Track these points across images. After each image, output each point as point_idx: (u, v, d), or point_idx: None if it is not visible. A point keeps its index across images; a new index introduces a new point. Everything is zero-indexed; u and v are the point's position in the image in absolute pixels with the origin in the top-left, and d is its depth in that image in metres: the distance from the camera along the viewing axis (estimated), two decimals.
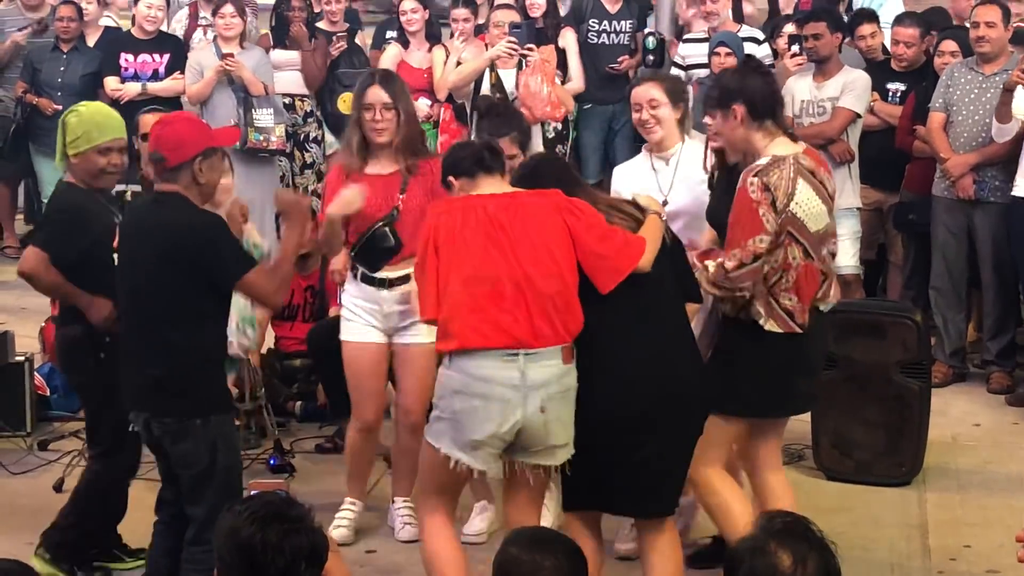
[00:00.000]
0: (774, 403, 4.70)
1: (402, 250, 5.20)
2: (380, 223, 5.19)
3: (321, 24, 9.19)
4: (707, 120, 4.87)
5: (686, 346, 4.43)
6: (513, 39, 7.86)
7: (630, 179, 5.31)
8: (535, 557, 3.07)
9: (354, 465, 5.51)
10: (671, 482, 4.41)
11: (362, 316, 5.29)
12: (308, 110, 8.98)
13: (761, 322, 4.50)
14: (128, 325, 4.52)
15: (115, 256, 4.79)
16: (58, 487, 5.84)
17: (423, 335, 5.12)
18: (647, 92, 5.20)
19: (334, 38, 9.02)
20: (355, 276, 5.32)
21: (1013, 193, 7.03)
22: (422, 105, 8.29)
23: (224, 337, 4.67)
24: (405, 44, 8.81)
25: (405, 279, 5.20)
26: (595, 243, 4.27)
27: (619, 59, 8.88)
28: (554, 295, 4.22)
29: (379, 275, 5.27)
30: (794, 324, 4.52)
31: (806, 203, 4.48)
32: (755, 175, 4.44)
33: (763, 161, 4.49)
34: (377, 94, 5.21)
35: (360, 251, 5.25)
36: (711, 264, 4.48)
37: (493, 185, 4.41)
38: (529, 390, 4.20)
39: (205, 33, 9.20)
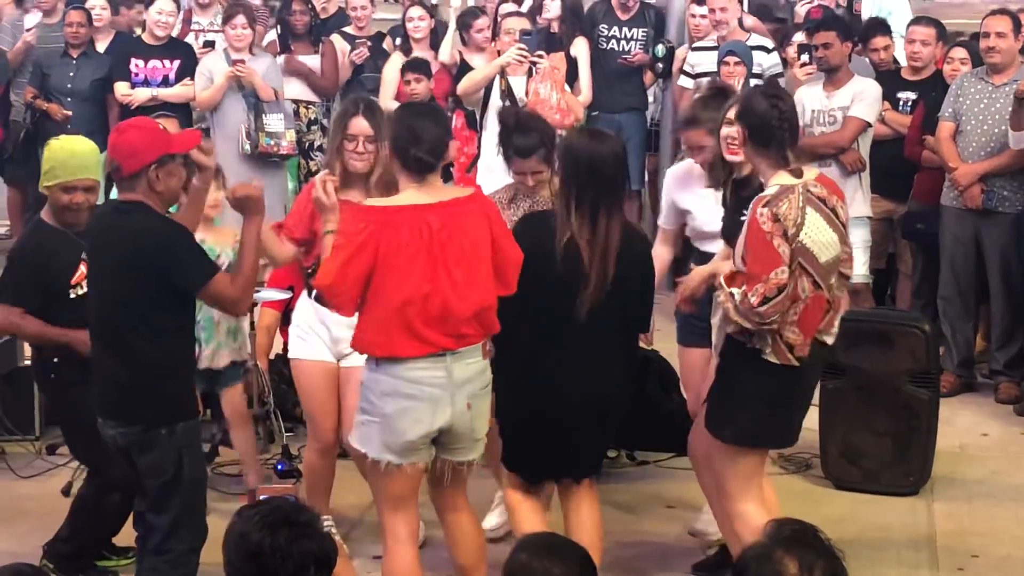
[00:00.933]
0: (768, 434, 4.62)
1: None
2: None
3: (348, 29, 9.20)
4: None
5: (614, 364, 4.67)
6: (523, 46, 7.87)
7: (688, 189, 5.26)
8: (545, 564, 3.07)
9: (316, 486, 5.40)
10: (587, 454, 4.79)
11: (316, 334, 5.21)
12: (312, 118, 9.00)
13: (763, 354, 4.44)
14: (96, 335, 4.53)
15: (71, 291, 4.95)
16: (66, 491, 5.84)
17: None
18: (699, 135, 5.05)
19: (356, 43, 9.04)
20: (309, 295, 5.16)
21: None
22: None
23: (192, 346, 4.67)
24: (408, 51, 8.82)
25: None
26: (507, 248, 4.44)
27: (633, 53, 8.88)
28: (480, 305, 4.34)
29: None
30: (792, 357, 4.43)
31: (815, 233, 4.39)
32: (764, 205, 4.35)
33: (772, 191, 4.40)
34: (360, 125, 5.10)
35: (314, 271, 5.17)
36: (737, 292, 4.38)
37: (433, 187, 4.39)
38: (456, 388, 4.32)
39: (197, 38, 9.21)
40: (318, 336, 5.21)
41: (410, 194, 4.39)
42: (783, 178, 4.43)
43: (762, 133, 4.46)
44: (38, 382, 5.35)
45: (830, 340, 4.58)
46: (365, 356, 4.44)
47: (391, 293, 4.27)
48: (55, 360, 5.02)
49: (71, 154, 5.10)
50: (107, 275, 4.43)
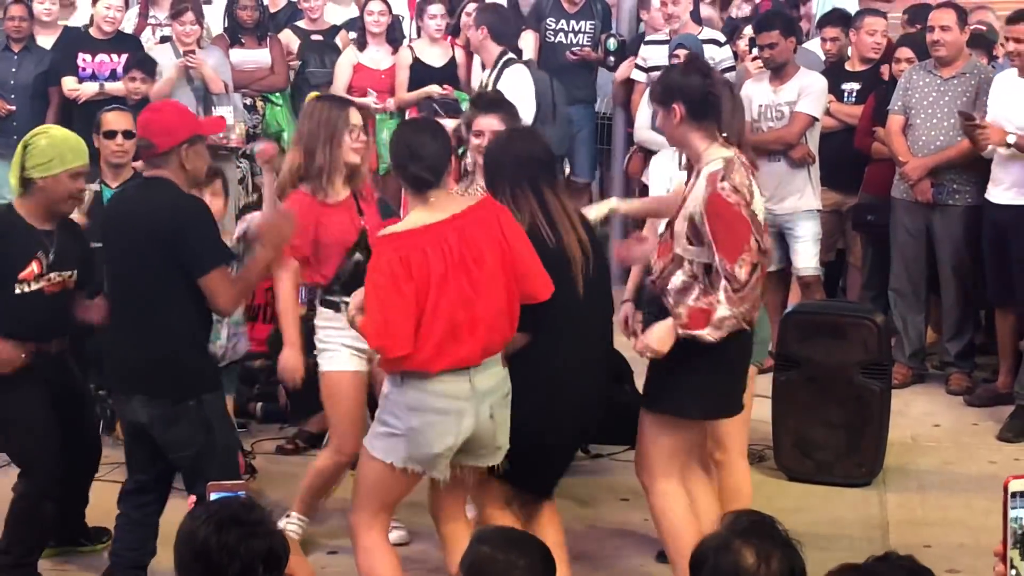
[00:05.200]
0: (736, 399, 4.65)
1: None
2: (354, 250, 5.10)
3: (301, 23, 9.13)
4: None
5: (602, 365, 4.65)
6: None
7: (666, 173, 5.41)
8: (509, 556, 3.05)
9: (320, 489, 5.39)
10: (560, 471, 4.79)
11: (347, 346, 5.12)
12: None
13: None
14: (117, 310, 4.64)
15: (16, 286, 4.80)
16: None
17: None
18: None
19: (307, 37, 8.98)
20: (334, 309, 5.10)
21: (987, 197, 6.97)
22: (369, 100, 8.36)
23: (209, 317, 4.73)
24: (363, 46, 8.77)
25: None
26: (528, 254, 4.32)
27: (582, 48, 8.86)
28: (501, 315, 4.29)
29: None
30: (744, 323, 4.43)
31: (757, 202, 4.41)
32: (723, 180, 4.32)
33: (719, 165, 4.36)
34: (358, 117, 5.15)
35: (345, 284, 5.06)
36: (721, 289, 4.29)
37: (441, 201, 4.30)
38: (480, 398, 4.28)
39: (154, 32, 9.12)
40: (344, 345, 5.10)
41: (421, 213, 4.27)
42: (720, 150, 4.41)
43: (702, 106, 4.43)
44: None
45: None
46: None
47: (428, 315, 4.17)
48: None
49: (77, 140, 4.98)
50: (131, 249, 4.52)
